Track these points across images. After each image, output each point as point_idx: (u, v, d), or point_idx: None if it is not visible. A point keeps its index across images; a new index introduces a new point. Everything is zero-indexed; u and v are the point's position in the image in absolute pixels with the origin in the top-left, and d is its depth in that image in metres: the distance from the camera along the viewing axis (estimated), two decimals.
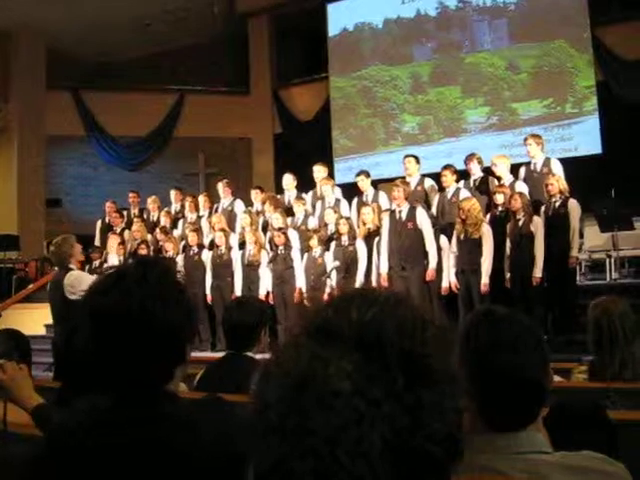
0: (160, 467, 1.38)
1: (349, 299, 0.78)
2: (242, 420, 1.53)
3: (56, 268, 6.51)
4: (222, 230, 9.23)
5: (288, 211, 9.40)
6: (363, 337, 0.72)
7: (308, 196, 9.72)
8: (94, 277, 6.34)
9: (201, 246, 9.52)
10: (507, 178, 8.28)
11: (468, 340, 1.53)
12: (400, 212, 7.94)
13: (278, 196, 10.12)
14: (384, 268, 7.93)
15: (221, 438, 1.42)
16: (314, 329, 0.75)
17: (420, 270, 7.76)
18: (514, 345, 1.48)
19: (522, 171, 8.44)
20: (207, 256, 9.32)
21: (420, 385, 0.71)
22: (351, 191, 9.67)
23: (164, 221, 10.36)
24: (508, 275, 7.45)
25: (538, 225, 7.37)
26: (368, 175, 9.23)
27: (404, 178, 8.88)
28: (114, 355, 1.42)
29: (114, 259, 6.58)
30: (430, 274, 7.72)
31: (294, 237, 8.83)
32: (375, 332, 0.72)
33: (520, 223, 7.41)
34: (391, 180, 8.64)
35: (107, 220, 11.27)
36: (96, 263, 10.19)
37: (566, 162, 8.71)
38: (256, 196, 10.05)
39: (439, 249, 7.88)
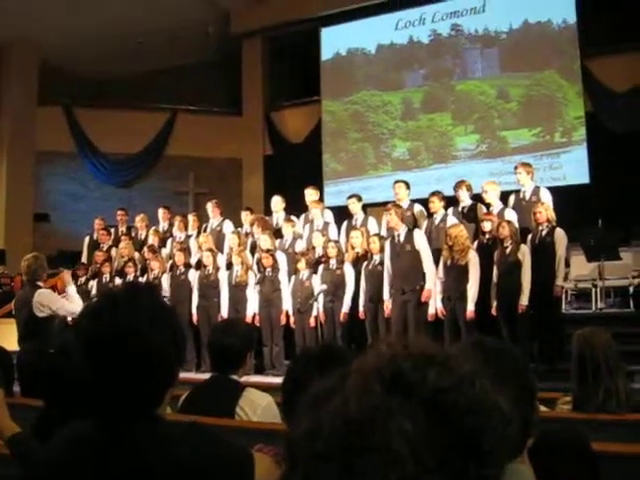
0: None
1: (429, 358, 0.76)
2: (219, 443, 1.53)
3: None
4: (210, 250, 9.22)
5: (277, 233, 9.40)
6: (433, 403, 0.71)
7: (300, 219, 9.71)
8: (59, 298, 6.39)
9: (188, 266, 9.49)
10: (497, 205, 8.33)
11: None
12: (398, 235, 7.93)
13: (267, 218, 10.11)
14: (387, 295, 7.91)
15: (198, 461, 1.42)
16: (387, 377, 0.73)
17: (418, 294, 7.74)
18: (501, 378, 1.48)
19: (512, 199, 8.49)
20: (194, 276, 9.29)
21: (472, 462, 0.71)
22: (340, 214, 9.69)
23: (152, 239, 10.33)
24: (494, 303, 7.47)
25: (525, 253, 7.41)
26: (360, 199, 9.25)
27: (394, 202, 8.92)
28: (107, 379, 1.43)
29: (72, 290, 6.68)
30: (426, 295, 7.70)
31: (282, 259, 8.82)
32: (447, 403, 0.72)
33: (507, 251, 7.43)
34: (380, 205, 8.66)
35: (95, 237, 11.23)
36: (82, 280, 10.15)
37: (554, 191, 8.77)
38: (246, 217, 10.04)
39: None
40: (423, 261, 7.78)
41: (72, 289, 6.66)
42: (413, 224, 8.69)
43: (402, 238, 7.90)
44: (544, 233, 7.58)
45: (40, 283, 6.23)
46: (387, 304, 7.88)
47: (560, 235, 7.55)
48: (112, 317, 1.44)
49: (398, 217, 7.95)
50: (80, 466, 1.41)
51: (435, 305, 7.71)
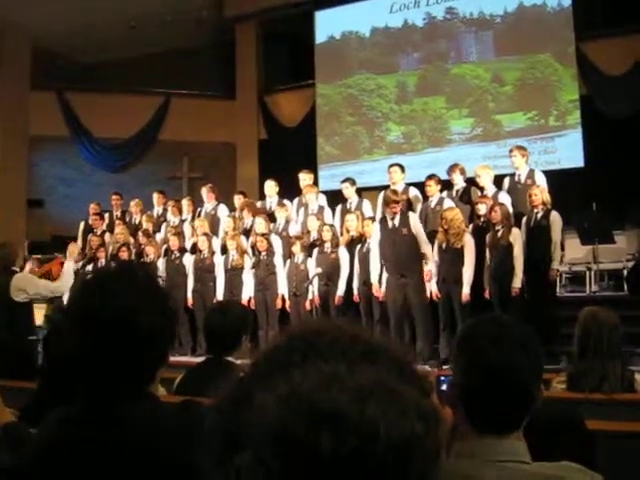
0: (126, 470, 1.38)
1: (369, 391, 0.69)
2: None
3: None
4: (205, 234, 9.21)
5: (270, 217, 9.39)
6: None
7: (294, 203, 9.70)
8: (39, 279, 6.28)
9: (182, 250, 9.48)
10: (490, 189, 8.32)
11: (469, 339, 1.55)
12: (392, 219, 7.83)
13: (259, 202, 10.12)
14: (374, 277, 7.88)
15: (185, 442, 1.42)
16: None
17: (417, 277, 7.70)
18: (515, 348, 1.50)
19: (506, 182, 8.49)
20: (189, 260, 9.28)
21: None
22: (334, 198, 9.67)
23: (146, 224, 10.31)
24: (488, 286, 7.48)
25: (517, 237, 7.41)
26: (353, 183, 9.23)
27: (388, 187, 8.90)
28: (100, 358, 1.43)
29: (68, 266, 6.51)
30: (429, 275, 7.69)
31: (277, 243, 8.82)
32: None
33: (499, 234, 7.44)
34: (375, 188, 8.63)
35: (90, 222, 11.21)
36: (78, 265, 10.13)
37: (549, 174, 8.78)
38: (239, 201, 10.04)
39: None
40: (420, 244, 7.72)
41: (69, 265, 6.50)
42: (408, 207, 8.66)
43: (397, 222, 7.79)
44: (539, 216, 7.59)
45: (15, 268, 6.15)
46: (376, 287, 7.85)
47: (556, 218, 7.55)
48: (103, 294, 1.44)
49: (401, 206, 7.88)
50: (67, 448, 1.41)
51: (430, 288, 7.72)
